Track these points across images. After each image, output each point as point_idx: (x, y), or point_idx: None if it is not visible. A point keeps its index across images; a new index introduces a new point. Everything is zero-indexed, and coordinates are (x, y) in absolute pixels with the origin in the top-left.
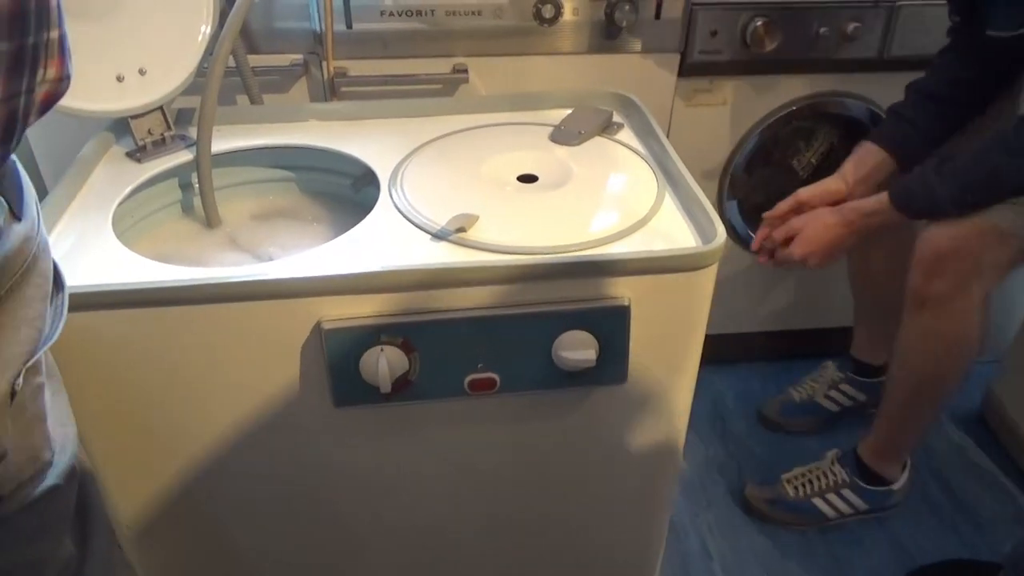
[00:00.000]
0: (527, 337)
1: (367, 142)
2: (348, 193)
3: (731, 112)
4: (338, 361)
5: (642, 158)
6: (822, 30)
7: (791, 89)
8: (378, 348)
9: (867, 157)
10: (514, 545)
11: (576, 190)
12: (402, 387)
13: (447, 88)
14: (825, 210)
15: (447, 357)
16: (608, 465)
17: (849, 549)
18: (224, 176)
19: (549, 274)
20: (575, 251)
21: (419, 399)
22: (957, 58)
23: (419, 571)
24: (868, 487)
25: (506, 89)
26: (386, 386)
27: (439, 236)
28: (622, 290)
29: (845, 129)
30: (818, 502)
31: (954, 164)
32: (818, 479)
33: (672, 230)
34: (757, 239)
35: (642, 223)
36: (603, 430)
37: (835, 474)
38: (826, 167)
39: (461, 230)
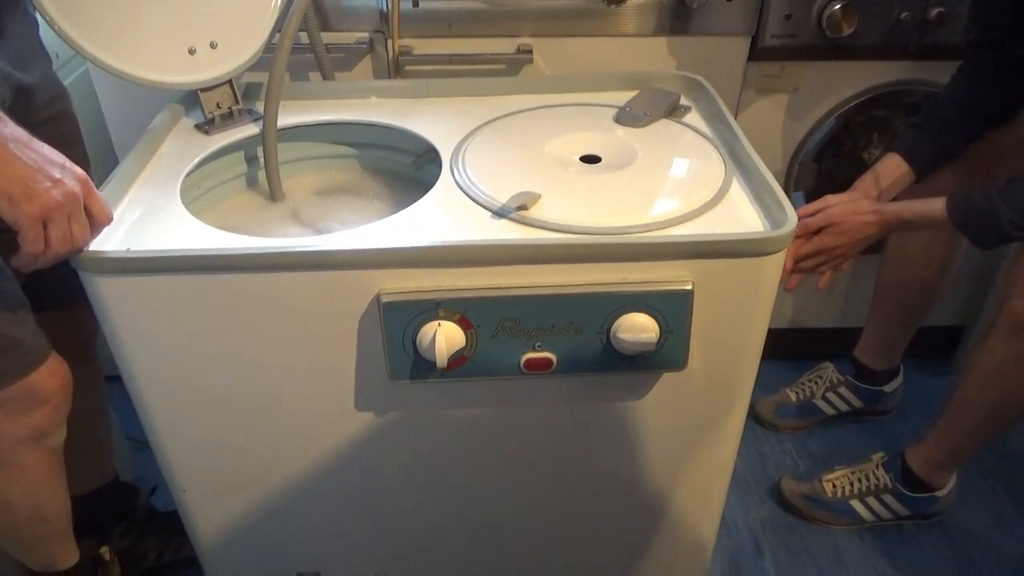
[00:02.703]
0: (586, 318)
1: (430, 120)
2: (409, 171)
3: (802, 99)
4: (395, 334)
5: (709, 142)
6: (903, 15)
7: (867, 76)
8: (436, 323)
9: (890, 170)
10: (562, 529)
11: (640, 172)
12: (458, 363)
13: (511, 68)
14: (864, 204)
15: (504, 335)
16: (662, 452)
17: (909, 552)
18: (288, 151)
19: (611, 255)
20: (638, 233)
21: (474, 376)
22: (977, 74)
23: (465, 549)
24: (912, 494)
25: (571, 70)
26: (442, 361)
27: (500, 213)
28: (685, 273)
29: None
30: (856, 504)
31: (1021, 188)
32: (860, 481)
33: (739, 215)
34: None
35: (708, 207)
36: (659, 416)
37: (878, 478)
38: None
39: (523, 208)
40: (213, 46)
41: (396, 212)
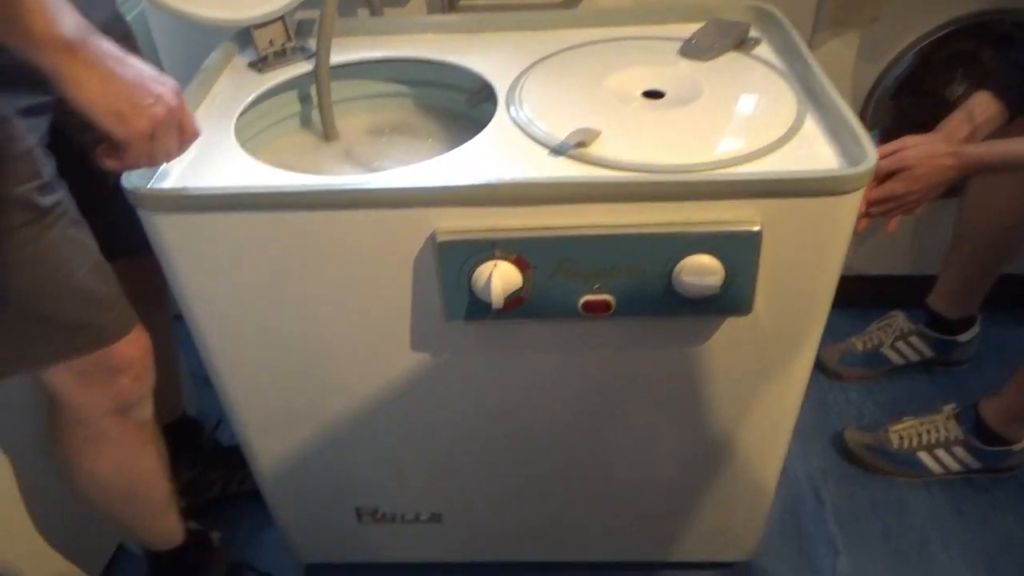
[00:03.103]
0: (647, 259)
1: (485, 56)
2: (463, 108)
3: (881, 31)
4: (451, 274)
5: (781, 75)
6: None
7: (952, 5)
8: (492, 263)
9: (981, 108)
10: (617, 473)
11: (706, 107)
12: (514, 304)
13: (568, 1)
14: (941, 149)
15: (562, 276)
16: (724, 399)
17: (979, 507)
18: (341, 89)
19: (674, 194)
20: (703, 171)
21: (531, 317)
22: None
23: (519, 491)
24: (985, 447)
25: (631, 2)
26: (498, 302)
27: (558, 151)
28: (753, 214)
29: (1004, 47)
30: (924, 456)
31: None
32: (928, 432)
33: (813, 152)
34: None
35: (779, 144)
36: (722, 362)
37: (948, 430)
38: None
39: (581, 145)
40: None
41: (451, 149)
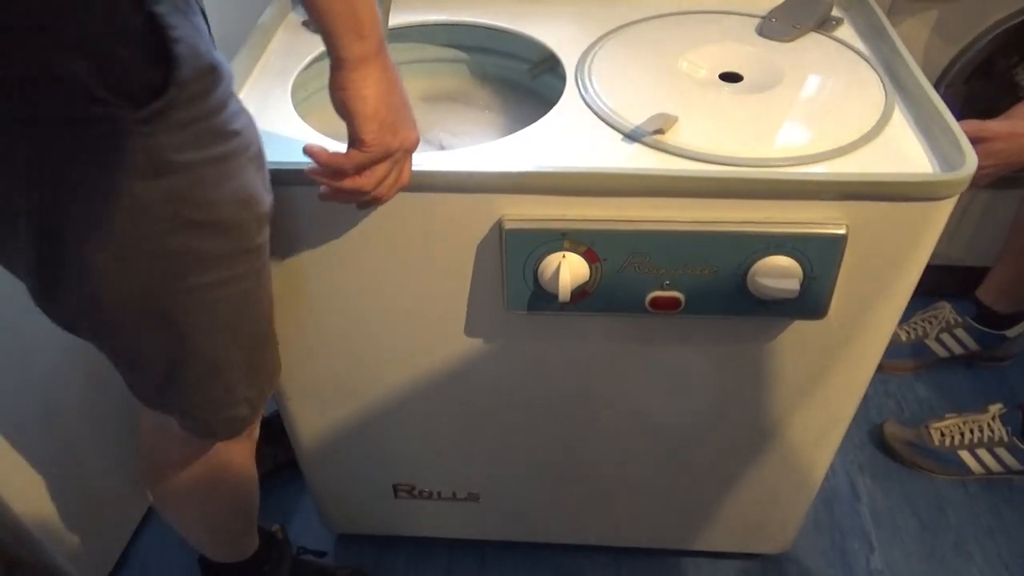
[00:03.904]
0: (723, 258)
1: (549, 24)
2: (523, 79)
3: (960, 12)
4: (516, 263)
5: (866, 61)
6: None
7: None
8: (560, 254)
9: None
10: (664, 465)
11: (788, 94)
12: (579, 297)
13: None
14: (1005, 132)
15: (632, 270)
16: (783, 397)
17: (1018, 511)
18: (396, 53)
19: (756, 191)
20: (787, 166)
21: (596, 311)
22: None
23: (565, 479)
24: None
25: None
26: (565, 295)
27: (633, 137)
28: (838, 216)
29: None
30: (965, 455)
31: None
32: (972, 431)
33: (902, 150)
34: None
35: (867, 139)
36: (788, 364)
37: (993, 430)
38: None
39: (659, 131)
40: None
41: (509, 124)
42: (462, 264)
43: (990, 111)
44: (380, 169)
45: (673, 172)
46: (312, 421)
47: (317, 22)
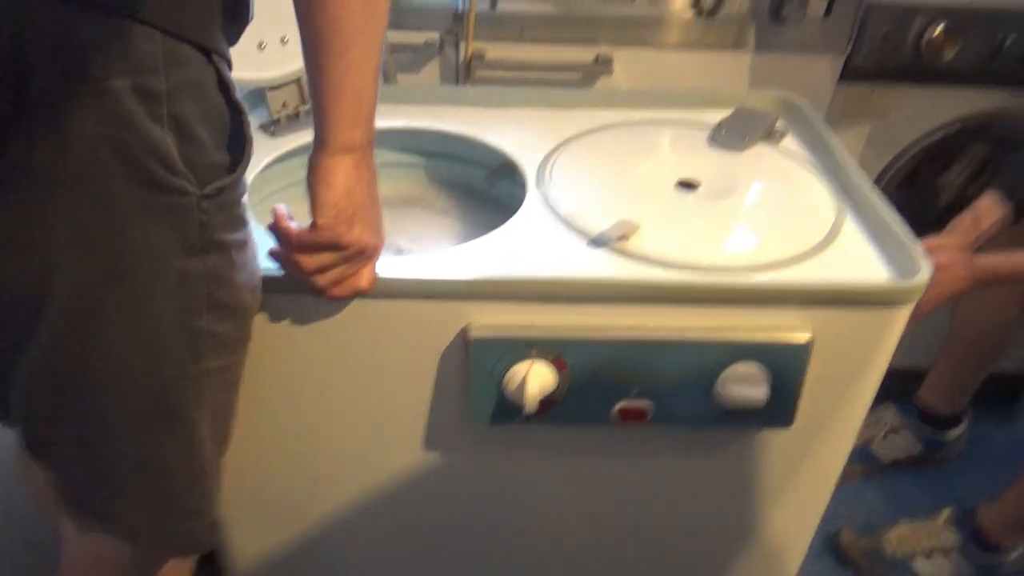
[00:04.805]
0: (691, 367)
1: (507, 131)
2: (481, 185)
3: (889, 125)
4: (482, 373)
5: (814, 170)
6: (1007, 41)
7: (959, 104)
8: (528, 363)
9: (989, 210)
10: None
11: (744, 202)
12: (546, 408)
13: (587, 79)
14: (958, 259)
15: (599, 380)
16: (754, 509)
17: None
18: None
19: (724, 298)
20: (749, 273)
21: (563, 422)
22: None
23: None
24: (982, 552)
25: (651, 84)
26: (532, 405)
27: (598, 243)
28: (803, 323)
29: (998, 147)
30: (920, 563)
31: None
32: (926, 538)
33: (856, 257)
34: None
35: (821, 246)
36: (756, 473)
37: (945, 537)
38: (975, 188)
39: (623, 238)
40: (284, 41)
41: (467, 229)
42: (423, 374)
43: (917, 218)
44: (325, 257)
45: (642, 279)
46: (251, 545)
47: (317, 96)
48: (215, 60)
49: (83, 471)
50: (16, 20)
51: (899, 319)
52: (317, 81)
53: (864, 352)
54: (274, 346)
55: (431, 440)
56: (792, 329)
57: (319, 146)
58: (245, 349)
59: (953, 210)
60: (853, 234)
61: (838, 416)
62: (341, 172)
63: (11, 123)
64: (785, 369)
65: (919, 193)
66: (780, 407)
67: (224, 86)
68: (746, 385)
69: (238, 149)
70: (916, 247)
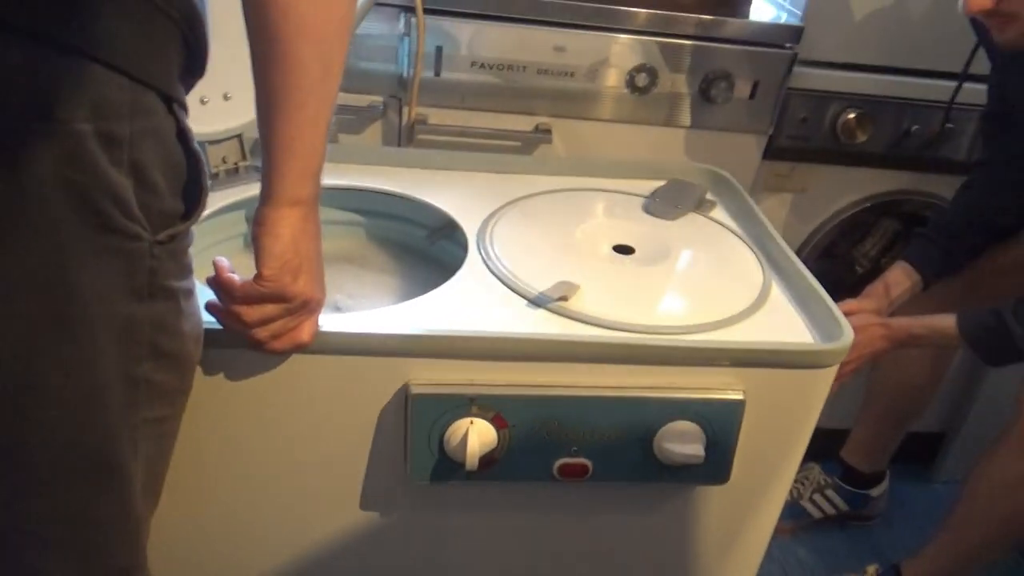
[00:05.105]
0: (629, 424)
1: (447, 193)
2: (420, 244)
3: (809, 200)
4: (422, 430)
5: (741, 240)
6: (914, 127)
7: (872, 183)
8: (468, 420)
9: (899, 279)
10: None
11: (677, 267)
12: (486, 465)
13: (526, 146)
14: (874, 322)
15: (539, 437)
16: (692, 566)
17: None
18: None
19: (661, 357)
20: (683, 333)
21: (503, 480)
22: (985, 190)
23: None
24: None
25: (587, 153)
26: (473, 463)
27: (538, 303)
28: (735, 382)
29: (907, 222)
30: None
31: None
32: None
33: (783, 320)
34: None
35: (750, 310)
36: (693, 529)
37: None
38: (888, 259)
39: (563, 298)
40: (226, 97)
41: (407, 288)
42: (362, 431)
43: (835, 286)
44: (269, 309)
45: (581, 337)
46: None
47: (269, 149)
48: (175, 109)
49: (11, 524)
50: None
51: (826, 379)
52: (270, 135)
53: (794, 410)
54: (208, 400)
55: (369, 498)
56: (726, 388)
57: (267, 198)
58: (184, 402)
59: (867, 279)
60: (779, 299)
61: (771, 473)
62: (288, 224)
63: None
64: (720, 426)
65: (837, 263)
66: (716, 464)
67: (183, 135)
68: (683, 442)
69: (193, 197)
70: (838, 313)
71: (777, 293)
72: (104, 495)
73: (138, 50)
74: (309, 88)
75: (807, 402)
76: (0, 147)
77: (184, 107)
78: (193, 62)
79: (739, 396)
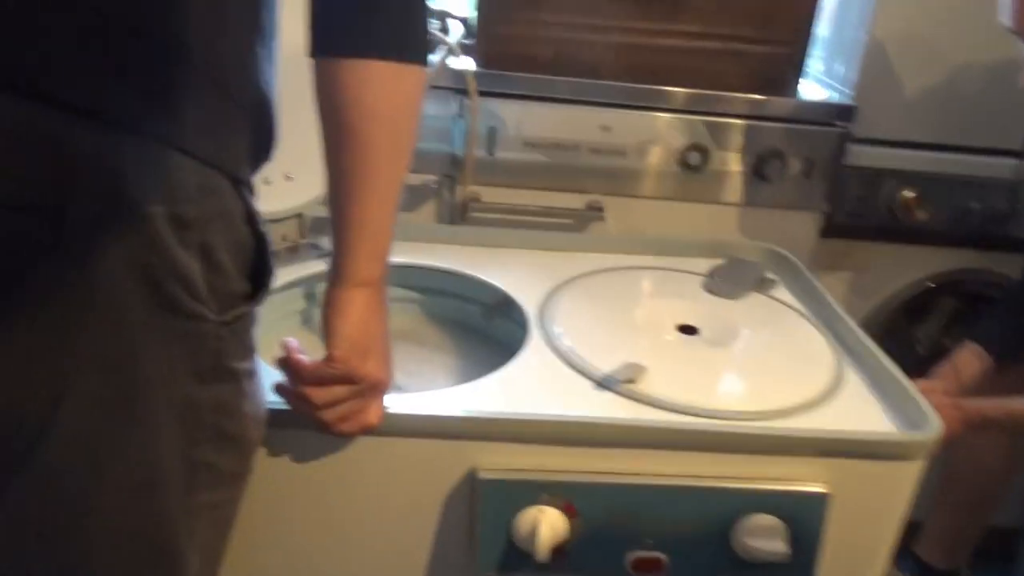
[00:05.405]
0: (705, 515)
1: (503, 271)
2: (476, 322)
3: (867, 279)
4: (491, 517)
5: (807, 320)
6: (973, 205)
7: (933, 262)
8: (537, 508)
9: (969, 359)
10: None
11: (744, 349)
12: (557, 556)
13: (578, 224)
14: (947, 403)
15: (611, 528)
16: None
17: None
18: None
19: (739, 445)
20: (758, 420)
21: (573, 572)
22: None
23: None
24: None
25: (640, 231)
26: (544, 554)
27: (605, 385)
28: (818, 473)
29: (968, 301)
30: None
31: None
32: None
33: (861, 407)
34: None
35: (826, 396)
36: None
37: None
38: (949, 340)
39: (631, 381)
40: (288, 178)
41: (463, 366)
42: (427, 517)
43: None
44: (338, 391)
45: (656, 423)
46: None
47: (340, 230)
48: (243, 192)
49: None
50: (59, 144)
51: (915, 472)
52: (340, 216)
53: (881, 505)
54: (270, 483)
55: None
56: (808, 480)
57: (337, 279)
58: (243, 486)
59: (928, 361)
60: (855, 384)
61: (857, 572)
62: (357, 305)
63: (45, 247)
64: (804, 521)
65: (896, 343)
66: (801, 562)
67: (251, 217)
68: (765, 538)
69: (259, 278)
70: (922, 400)
71: (852, 376)
72: None
73: (210, 135)
74: (379, 170)
75: (895, 497)
76: (73, 228)
77: (251, 189)
78: (262, 146)
79: (824, 488)
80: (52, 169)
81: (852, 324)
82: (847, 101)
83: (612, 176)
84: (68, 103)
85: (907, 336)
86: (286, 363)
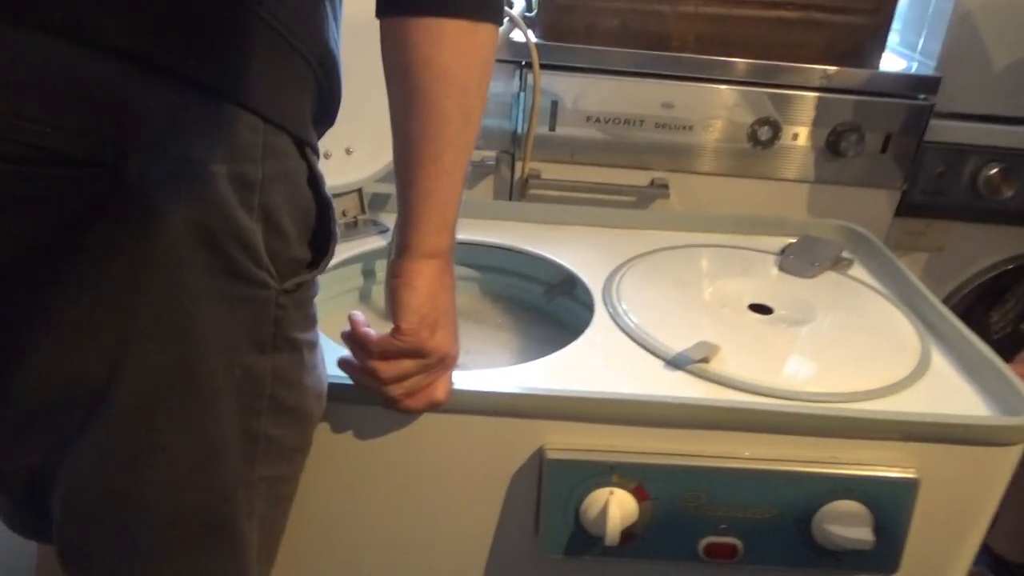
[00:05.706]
0: (785, 501)
1: (565, 249)
2: (536, 300)
3: (944, 260)
4: (558, 498)
5: (888, 300)
6: None
7: (1017, 242)
8: (607, 490)
9: None
10: None
11: (822, 329)
12: (626, 540)
13: (641, 201)
14: None
15: (683, 512)
16: None
17: None
18: None
19: (821, 428)
20: (841, 402)
21: (643, 557)
22: None
23: None
24: None
25: (705, 208)
26: (614, 537)
27: (676, 364)
28: (906, 458)
29: None
30: None
31: None
32: None
33: (951, 390)
34: None
35: (912, 378)
36: None
37: None
38: None
39: (704, 360)
40: (349, 152)
41: (524, 344)
42: (492, 497)
43: None
44: (406, 365)
45: (735, 404)
46: None
47: (406, 201)
48: (307, 153)
49: None
50: (122, 99)
51: (1010, 458)
52: (407, 186)
53: (973, 493)
54: (332, 460)
55: (497, 570)
56: (896, 465)
57: (404, 251)
58: (302, 462)
59: (1005, 345)
60: (943, 366)
61: (945, 563)
62: (425, 277)
63: (103, 204)
64: (890, 508)
65: (972, 327)
66: (885, 551)
67: (314, 180)
68: (848, 525)
69: (321, 245)
70: (1020, 384)
71: (939, 359)
72: (219, 559)
73: (273, 92)
74: (448, 138)
75: (988, 484)
76: (138, 190)
77: (316, 152)
78: (326, 108)
79: (912, 475)
80: (111, 121)
81: (938, 304)
82: (930, 73)
83: (676, 152)
84: (128, 54)
85: (984, 320)
86: (352, 336)
